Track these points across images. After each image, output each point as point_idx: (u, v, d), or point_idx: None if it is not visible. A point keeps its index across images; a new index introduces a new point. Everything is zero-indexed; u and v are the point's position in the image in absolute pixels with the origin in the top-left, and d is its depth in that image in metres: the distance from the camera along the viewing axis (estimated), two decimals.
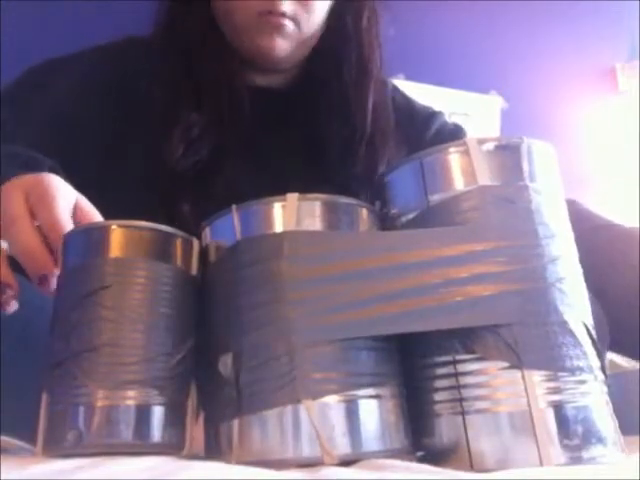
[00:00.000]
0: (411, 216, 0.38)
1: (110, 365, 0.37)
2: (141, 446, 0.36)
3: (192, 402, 0.40)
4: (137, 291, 0.39)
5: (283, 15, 0.57)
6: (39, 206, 0.43)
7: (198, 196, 0.57)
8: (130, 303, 0.38)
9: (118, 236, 0.40)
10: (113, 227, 0.40)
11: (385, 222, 0.40)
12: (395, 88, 0.76)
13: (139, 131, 0.61)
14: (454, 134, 0.74)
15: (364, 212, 0.39)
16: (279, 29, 0.58)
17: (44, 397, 0.38)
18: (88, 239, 0.41)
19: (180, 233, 0.42)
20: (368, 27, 0.64)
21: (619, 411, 0.35)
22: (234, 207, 0.38)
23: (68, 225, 0.43)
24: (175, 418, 0.38)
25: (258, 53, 0.61)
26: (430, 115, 0.75)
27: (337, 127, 0.63)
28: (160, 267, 0.40)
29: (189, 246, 0.43)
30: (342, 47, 0.63)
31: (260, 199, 0.38)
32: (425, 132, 0.72)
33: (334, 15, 0.63)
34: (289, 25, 0.58)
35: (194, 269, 0.42)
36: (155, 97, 0.60)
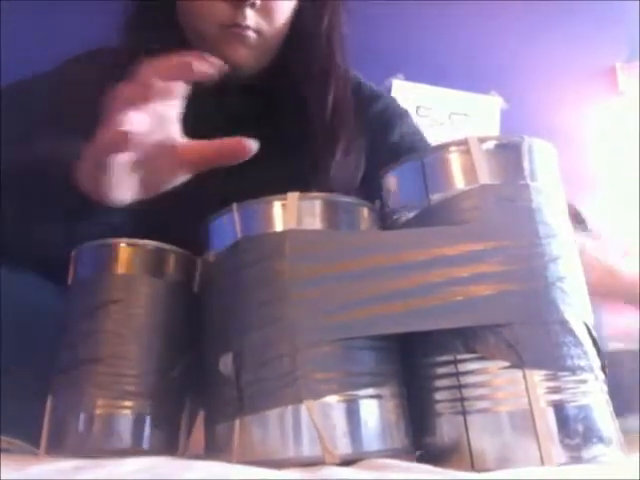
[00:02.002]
0: (412, 215, 0.37)
1: (112, 376, 0.39)
2: (136, 454, 0.37)
3: (186, 415, 0.42)
4: (140, 306, 0.41)
5: (247, 27, 0.59)
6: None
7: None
8: (134, 318, 0.41)
9: (125, 253, 0.43)
10: (121, 245, 0.43)
11: (386, 221, 0.40)
12: (357, 80, 0.78)
13: None
14: (397, 116, 0.76)
15: (365, 211, 0.39)
16: (242, 40, 0.60)
17: (49, 401, 0.40)
18: (97, 254, 0.43)
19: (184, 251, 0.45)
20: (329, 28, 0.66)
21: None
22: (235, 205, 0.38)
23: None
24: (169, 429, 0.41)
25: (222, 61, 0.63)
26: (376, 96, 0.77)
27: (296, 119, 0.65)
28: (162, 284, 0.43)
29: (191, 263, 0.45)
30: (305, 48, 0.66)
31: (261, 198, 0.38)
32: (368, 109, 0.74)
33: (297, 18, 0.65)
34: (252, 36, 0.60)
35: (195, 286, 0.44)
36: None
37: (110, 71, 0.64)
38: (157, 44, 0.62)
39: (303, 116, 0.65)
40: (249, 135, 0.65)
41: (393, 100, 0.79)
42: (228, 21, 0.58)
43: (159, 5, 0.64)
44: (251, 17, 0.58)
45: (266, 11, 0.59)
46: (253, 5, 0.58)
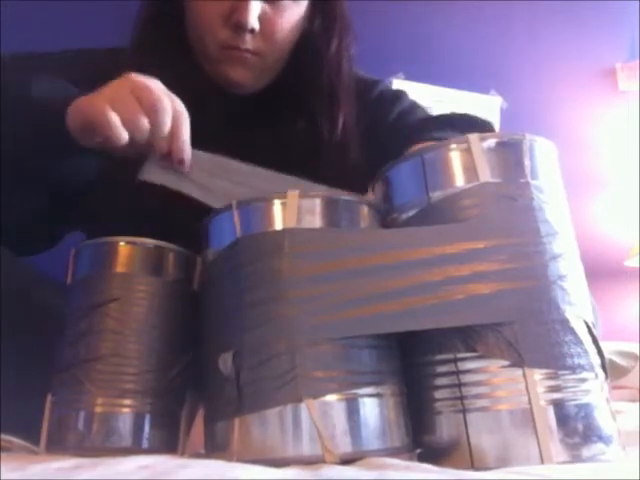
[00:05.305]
0: (412, 213, 0.37)
1: (113, 374, 0.39)
2: (136, 452, 0.37)
3: (186, 413, 0.42)
4: (140, 305, 0.41)
5: (246, 50, 0.62)
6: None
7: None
8: (134, 316, 0.41)
9: (124, 252, 0.43)
10: (121, 243, 0.43)
11: (385, 218, 0.40)
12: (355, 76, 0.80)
13: None
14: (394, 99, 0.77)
15: (365, 209, 0.39)
16: (241, 61, 0.63)
17: (49, 399, 0.40)
18: (97, 253, 0.44)
19: (184, 250, 0.45)
20: (337, 52, 0.69)
21: None
22: (234, 203, 0.38)
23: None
24: (169, 428, 0.41)
25: (223, 80, 0.66)
26: (374, 82, 0.78)
27: (307, 132, 0.68)
28: (162, 282, 0.43)
29: (192, 262, 0.45)
30: (314, 68, 0.69)
31: (260, 196, 0.38)
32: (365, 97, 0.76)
33: (306, 38, 0.68)
34: (252, 58, 0.63)
35: (195, 284, 0.45)
36: None
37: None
38: (166, 61, 0.64)
39: (311, 131, 0.67)
40: (254, 147, 0.66)
41: (386, 85, 0.81)
42: (229, 43, 0.62)
43: (169, 24, 0.67)
44: (250, 41, 0.62)
45: (267, 35, 0.62)
46: (252, 31, 0.61)
